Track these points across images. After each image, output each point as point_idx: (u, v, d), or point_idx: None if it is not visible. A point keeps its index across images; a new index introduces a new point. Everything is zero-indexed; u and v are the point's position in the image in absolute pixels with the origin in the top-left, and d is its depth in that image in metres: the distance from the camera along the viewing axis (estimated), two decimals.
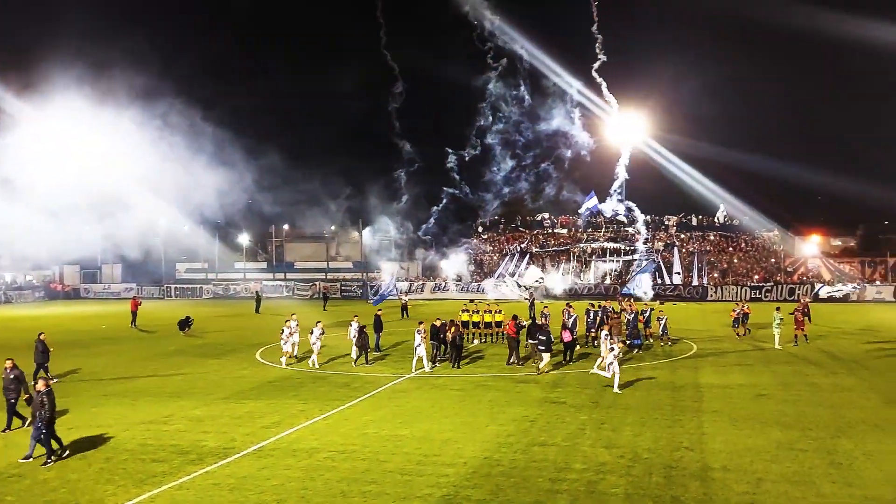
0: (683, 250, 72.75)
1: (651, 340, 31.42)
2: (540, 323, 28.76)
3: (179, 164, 44.68)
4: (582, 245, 75.79)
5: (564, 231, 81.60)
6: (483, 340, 32.63)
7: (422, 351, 25.44)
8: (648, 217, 79.78)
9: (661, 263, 70.22)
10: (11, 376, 18.11)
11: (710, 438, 16.09)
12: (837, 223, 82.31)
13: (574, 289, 65.13)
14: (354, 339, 27.50)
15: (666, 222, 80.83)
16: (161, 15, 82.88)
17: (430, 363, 25.72)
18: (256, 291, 60.01)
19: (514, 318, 27.51)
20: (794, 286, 60.57)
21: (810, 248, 72.32)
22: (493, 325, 32.80)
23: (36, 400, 15.16)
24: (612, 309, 32.72)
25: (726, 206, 76.55)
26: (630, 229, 76.29)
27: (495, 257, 76.92)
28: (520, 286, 63.72)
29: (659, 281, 67.38)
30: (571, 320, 29.85)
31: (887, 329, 35.91)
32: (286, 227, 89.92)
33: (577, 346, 28.58)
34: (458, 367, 26.13)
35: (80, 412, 19.88)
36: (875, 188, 71.91)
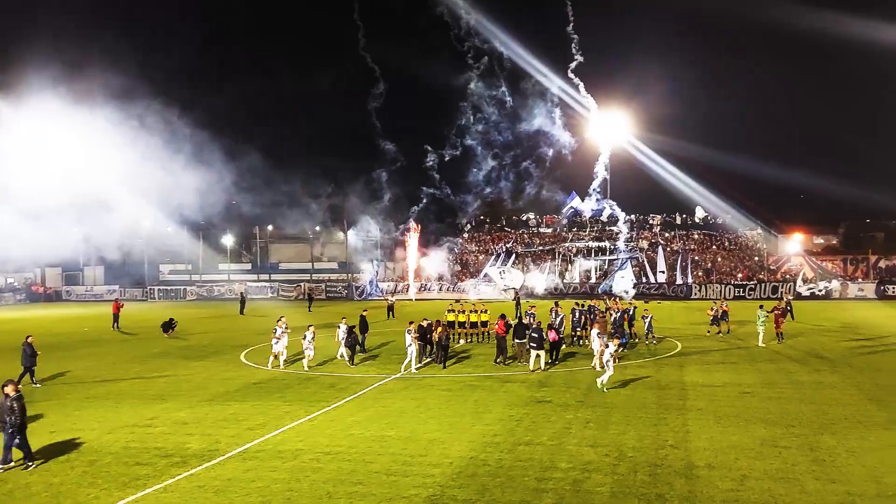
0: (668, 249, 73.14)
1: (636, 339, 31.56)
2: (526, 322, 28.82)
3: (162, 165, 44.42)
4: (567, 244, 76.03)
5: (549, 230, 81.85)
6: (469, 340, 32.64)
7: (413, 351, 25.39)
8: (633, 216, 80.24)
9: (646, 262, 70.67)
10: None
11: (695, 436, 16.16)
12: (820, 221, 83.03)
13: (557, 288, 65.39)
14: (343, 341, 27.47)
15: (650, 221, 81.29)
16: (142, 15, 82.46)
17: (416, 364, 25.67)
18: (241, 293, 59.68)
19: (503, 317, 27.53)
20: (777, 284, 61.05)
21: (793, 246, 72.93)
22: (479, 324, 32.83)
23: (4, 405, 14.70)
24: (598, 308, 32.84)
25: (710, 205, 77.08)
26: (614, 228, 76.65)
27: (481, 257, 77.01)
28: (502, 281, 64.09)
29: (643, 279, 67.81)
30: (558, 320, 29.93)
31: (869, 326, 36.24)
32: (270, 227, 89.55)
33: (563, 346, 28.63)
34: (445, 367, 26.12)
35: (63, 415, 19.69)
36: (857, 186, 72.73)
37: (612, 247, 73.84)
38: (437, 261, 73.12)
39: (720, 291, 61.95)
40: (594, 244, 75.22)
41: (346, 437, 16.76)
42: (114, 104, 42.03)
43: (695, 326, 36.65)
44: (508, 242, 79.01)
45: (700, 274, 68.51)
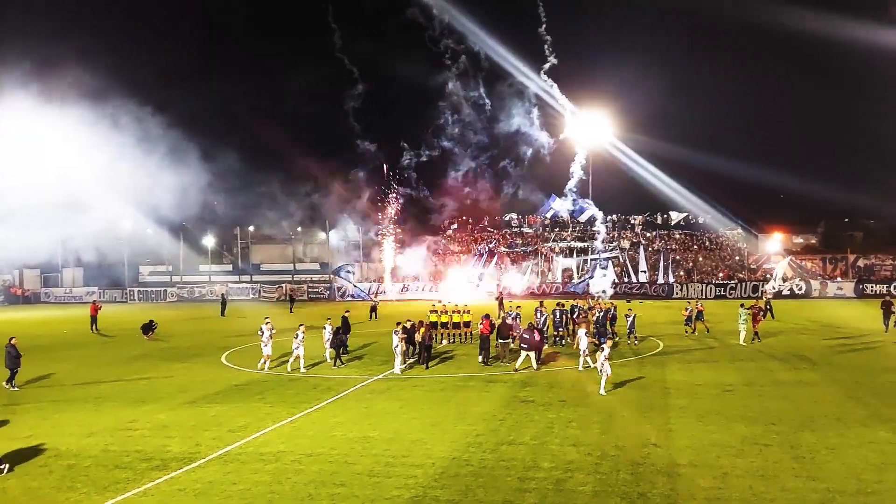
0: (649, 249, 73.54)
1: (617, 339, 31.65)
2: (509, 323, 28.86)
3: (141, 166, 44.07)
4: (549, 244, 76.26)
5: (531, 230, 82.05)
6: (452, 341, 32.60)
7: (399, 352, 25.29)
8: (614, 216, 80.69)
9: (628, 262, 71.05)
10: None
11: (677, 435, 16.23)
12: (799, 221, 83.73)
13: (541, 288, 65.55)
14: (329, 342, 27.37)
15: (632, 221, 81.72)
16: (120, 15, 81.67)
17: (401, 365, 25.53)
18: (222, 294, 59.41)
19: (487, 317, 27.53)
20: (757, 283, 61.55)
21: (773, 246, 73.54)
22: (462, 325, 32.81)
23: None
24: (582, 308, 32.96)
25: (690, 205, 77.58)
26: (595, 228, 77.08)
27: (463, 257, 77.02)
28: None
29: (625, 279, 68.17)
30: (542, 320, 29.96)
31: (848, 325, 36.58)
32: (251, 228, 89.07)
33: (546, 346, 28.66)
34: (428, 368, 26.09)
35: (42, 419, 19.47)
36: (836, 186, 73.42)
37: (594, 247, 74.25)
38: (414, 260, 73.08)
39: (701, 291, 62.40)
40: (577, 244, 75.51)
41: (328, 438, 16.68)
42: (91, 104, 41.67)
43: (676, 326, 36.82)
44: (490, 242, 79.07)
45: (681, 273, 68.94)
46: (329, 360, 27.37)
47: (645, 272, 69.12)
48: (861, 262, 68.50)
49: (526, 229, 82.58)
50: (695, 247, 75.29)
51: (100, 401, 21.79)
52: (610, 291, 57.15)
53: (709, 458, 14.39)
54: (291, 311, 53.13)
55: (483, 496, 12.65)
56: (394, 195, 74.81)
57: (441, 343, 31.73)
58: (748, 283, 62.28)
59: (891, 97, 79.44)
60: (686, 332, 33.93)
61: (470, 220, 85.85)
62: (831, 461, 14.09)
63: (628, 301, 42.66)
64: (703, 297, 61.22)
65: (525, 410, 19.08)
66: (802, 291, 60.75)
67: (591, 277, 65.31)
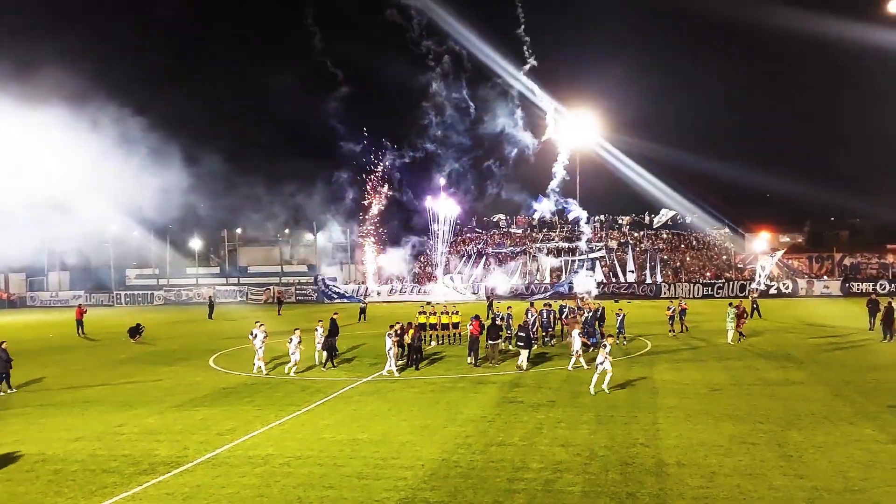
0: (637, 249, 73.82)
1: (604, 339, 31.69)
2: (499, 324, 28.89)
3: (128, 169, 43.80)
4: (537, 245, 76.43)
5: (520, 231, 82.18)
6: (440, 342, 32.60)
7: (392, 354, 25.23)
8: (602, 216, 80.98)
9: (616, 262, 71.30)
10: None
11: (665, 434, 16.28)
12: (785, 220, 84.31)
13: (525, 288, 65.66)
14: (320, 344, 27.29)
15: (619, 221, 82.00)
16: (106, 17, 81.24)
17: (393, 366, 25.43)
18: (209, 297, 59.18)
19: (477, 318, 27.55)
20: (745, 282, 61.89)
21: (760, 245, 74.01)
22: (451, 326, 32.81)
23: None
24: (571, 308, 33.03)
25: (677, 205, 77.97)
26: (582, 229, 77.33)
27: (451, 258, 77.07)
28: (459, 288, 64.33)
29: (613, 279, 68.42)
30: (532, 320, 29.98)
31: (834, 324, 36.80)
32: (238, 231, 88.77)
33: (535, 346, 28.71)
34: (418, 369, 26.08)
35: (28, 423, 19.32)
36: (822, 186, 74.09)
37: (579, 247, 74.54)
38: (397, 260, 73.02)
39: (689, 290, 62.71)
40: (564, 244, 75.70)
41: (317, 441, 16.63)
42: (76, 107, 41.37)
43: (664, 325, 36.95)
44: (479, 244, 79.15)
45: (669, 273, 69.23)
46: (318, 363, 27.29)
47: (633, 272, 69.42)
48: (847, 261, 69.07)
49: (514, 230, 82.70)
50: (682, 247, 75.61)
51: (87, 405, 21.64)
52: (595, 291, 57.34)
53: (697, 458, 14.44)
54: (279, 314, 52.99)
55: (472, 497, 12.65)
56: (378, 196, 74.76)
57: (430, 344, 31.72)
58: (735, 282, 62.61)
59: (877, 97, 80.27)
60: (671, 332, 33.93)
61: (457, 222, 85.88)
62: (818, 459, 14.17)
63: (616, 301, 42.80)
64: (691, 296, 61.62)
65: (514, 411, 19.09)
66: (789, 290, 61.15)
67: (570, 280, 65.43)
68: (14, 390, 24.07)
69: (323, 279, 49.25)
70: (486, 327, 27.94)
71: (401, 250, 74.72)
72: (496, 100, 73.11)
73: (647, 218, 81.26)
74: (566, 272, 70.55)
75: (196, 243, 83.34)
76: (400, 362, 26.79)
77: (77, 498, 13.24)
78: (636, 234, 78.61)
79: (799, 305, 50.62)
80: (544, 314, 31.52)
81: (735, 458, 14.33)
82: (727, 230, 78.13)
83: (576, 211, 76.63)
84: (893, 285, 58.83)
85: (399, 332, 26.53)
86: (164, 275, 79.94)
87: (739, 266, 69.66)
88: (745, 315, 31.82)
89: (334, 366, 27.12)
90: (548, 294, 36.68)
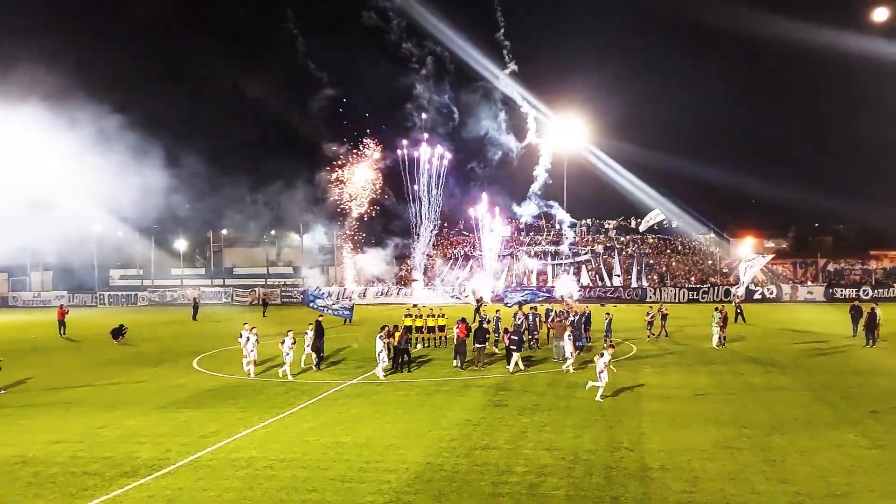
0: (623, 253, 74.08)
1: (591, 343, 31.78)
2: (486, 327, 28.89)
3: (113, 169, 43.46)
4: (524, 248, 76.57)
5: (507, 234, 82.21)
6: (426, 345, 32.53)
7: (384, 357, 25.13)
8: (588, 220, 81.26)
9: (602, 266, 71.55)
10: None
11: (649, 438, 16.30)
12: (770, 226, 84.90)
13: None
14: (310, 345, 27.16)
15: (606, 226, 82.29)
16: (89, 15, 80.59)
17: (379, 370, 25.28)
18: (194, 298, 58.76)
19: (463, 320, 27.54)
20: (729, 287, 62.19)
21: (745, 250, 74.45)
22: (437, 329, 32.77)
23: None
24: (558, 311, 33.05)
25: (663, 209, 78.32)
26: (571, 232, 77.63)
27: (439, 261, 77.06)
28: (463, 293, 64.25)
29: (599, 283, 68.64)
30: (520, 324, 29.94)
31: (818, 329, 37.00)
32: (224, 232, 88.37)
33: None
34: (411, 371, 26.05)
35: (8, 424, 19.13)
36: (806, 192, 74.70)
37: (573, 250, 74.80)
38: (377, 261, 72.88)
39: (674, 295, 62.96)
40: (551, 248, 75.90)
41: (300, 443, 16.54)
42: (60, 106, 41.02)
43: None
44: (466, 247, 79.14)
45: (655, 277, 69.49)
46: (309, 366, 27.14)
47: (619, 276, 69.64)
48: (831, 267, 69.56)
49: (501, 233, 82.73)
50: (668, 251, 75.95)
51: (68, 406, 21.43)
52: (576, 295, 57.51)
53: (681, 462, 14.46)
54: (264, 316, 52.74)
55: (457, 501, 12.61)
56: (360, 198, 74.70)
57: (416, 347, 31.65)
58: (720, 287, 62.91)
59: (861, 104, 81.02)
60: (651, 336, 33.96)
61: (445, 224, 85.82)
62: (801, 464, 14.23)
63: (602, 305, 42.87)
64: (676, 301, 61.84)
65: (499, 415, 19.06)
66: (774, 295, 61.48)
67: (559, 280, 65.53)
68: (4, 391, 23.80)
69: (312, 295, 48.29)
70: (472, 330, 27.91)
71: (382, 252, 74.55)
72: (479, 103, 73.38)
73: (633, 222, 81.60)
74: (552, 276, 70.67)
75: (181, 244, 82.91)
76: (385, 365, 26.71)
77: (57, 500, 13.11)
78: (623, 239, 78.89)
79: (783, 310, 50.92)
80: (530, 317, 31.53)
81: (719, 463, 14.37)
82: (712, 235, 78.57)
83: (560, 214, 76.98)
84: (876, 291, 59.30)
85: (387, 335, 26.49)
86: (148, 275, 79.48)
87: (725, 271, 70.01)
88: (725, 322, 31.93)
89: (316, 368, 26.99)
90: (513, 301, 36.37)
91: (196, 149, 61.43)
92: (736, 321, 40.04)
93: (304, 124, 74.19)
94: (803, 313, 47.15)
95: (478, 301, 47.61)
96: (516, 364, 25.55)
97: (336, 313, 39.60)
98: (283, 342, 25.51)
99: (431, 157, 72.94)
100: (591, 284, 67.96)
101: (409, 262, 76.05)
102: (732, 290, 58.79)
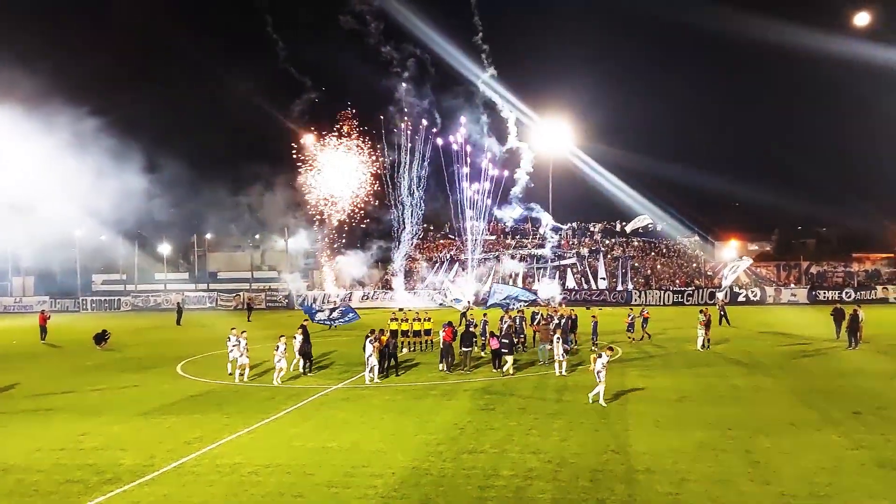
0: (608, 256, 74.36)
1: (576, 346, 31.85)
2: (472, 330, 28.90)
3: (95, 173, 43.22)
4: (510, 251, 76.72)
5: (493, 238, 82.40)
6: (412, 349, 32.48)
7: (374, 361, 25.00)
8: (573, 224, 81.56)
9: (588, 269, 71.77)
10: None
11: (635, 441, 16.35)
12: (754, 229, 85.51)
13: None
14: (298, 349, 27.04)
15: (591, 229, 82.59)
16: (72, 20, 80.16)
17: (368, 374, 25.18)
18: (178, 303, 58.43)
19: (450, 324, 27.52)
20: (714, 290, 62.53)
21: (729, 253, 74.94)
22: (423, 333, 32.74)
23: None
24: (542, 314, 33.13)
25: (647, 212, 78.72)
26: (545, 234, 77.92)
27: (424, 265, 77.02)
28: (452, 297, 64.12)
29: (584, 286, 68.86)
30: (505, 327, 29.98)
31: (801, 331, 37.24)
32: (208, 236, 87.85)
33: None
34: (397, 375, 25.98)
35: None
36: (789, 195, 75.39)
37: (558, 253, 75.01)
38: (357, 263, 72.70)
39: (659, 297, 63.26)
40: (537, 251, 76.10)
41: (286, 449, 16.46)
42: (42, 111, 40.75)
43: (636, 332, 37.20)
44: (452, 250, 79.18)
45: (640, 280, 69.77)
46: (300, 371, 27.01)
47: (604, 279, 69.87)
48: (814, 269, 70.12)
49: (488, 237, 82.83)
50: (652, 254, 76.31)
51: (50, 413, 21.22)
52: (558, 298, 57.68)
53: (666, 464, 14.52)
54: (249, 320, 52.46)
55: None
56: (341, 202, 74.63)
57: (402, 351, 31.57)
58: (705, 289, 63.25)
59: (843, 109, 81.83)
60: (632, 339, 34.06)
61: (431, 228, 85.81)
62: (785, 465, 14.32)
63: (588, 308, 43.00)
64: (661, 303, 62.17)
65: (485, 418, 19.06)
66: (757, 298, 61.86)
67: (541, 283, 65.70)
68: None
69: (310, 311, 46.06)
70: (459, 334, 27.90)
71: (362, 254, 74.38)
72: (461, 108, 73.47)
73: (618, 226, 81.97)
74: (537, 279, 70.83)
75: (165, 248, 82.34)
76: (376, 369, 26.62)
77: None
78: (608, 242, 79.20)
79: (767, 313, 51.23)
80: (516, 321, 31.57)
81: (704, 465, 14.43)
82: (697, 238, 79.02)
83: (544, 217, 77.21)
84: (859, 293, 59.82)
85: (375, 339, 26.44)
86: (131, 280, 78.85)
87: (709, 273, 70.43)
88: (708, 324, 32.13)
89: (303, 372, 26.89)
90: (492, 301, 36.36)
91: (179, 153, 61.30)
92: (720, 323, 40.26)
93: (283, 127, 73.89)
94: (787, 315, 47.46)
95: (466, 306, 47.60)
96: (508, 366, 25.74)
97: (345, 321, 38.69)
98: (277, 348, 25.37)
99: (412, 159, 72.96)
100: (576, 287, 68.18)
101: (389, 266, 75.83)
102: (718, 294, 59.18)
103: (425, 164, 73.87)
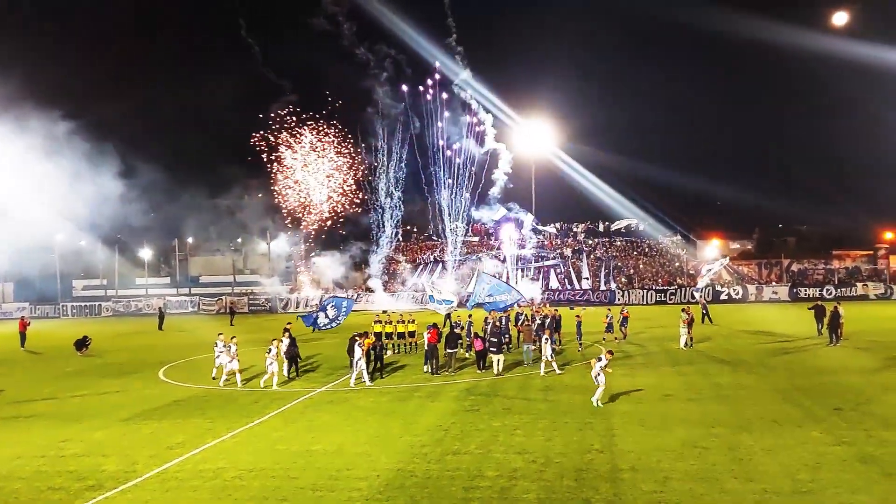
0: (591, 256, 74.62)
1: (561, 345, 31.92)
2: (457, 332, 28.90)
3: (75, 177, 42.80)
4: (494, 252, 76.81)
5: (476, 239, 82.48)
6: (396, 351, 32.42)
7: (363, 364, 24.86)
8: (557, 224, 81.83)
9: (571, 269, 71.99)
10: None
11: (620, 440, 16.39)
12: (735, 228, 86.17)
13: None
14: (284, 351, 26.90)
15: (574, 229, 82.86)
16: (46, 23, 79.37)
17: (353, 378, 25.04)
18: (159, 308, 58.00)
19: (434, 326, 27.50)
20: (693, 290, 62.96)
21: (711, 252, 75.44)
22: (407, 335, 32.68)
23: None
24: (526, 315, 33.17)
25: (629, 213, 79.23)
26: (539, 235, 78.07)
27: (405, 267, 76.95)
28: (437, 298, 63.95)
29: (568, 286, 69.07)
30: (489, 328, 29.97)
31: (783, 329, 37.53)
32: (190, 240, 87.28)
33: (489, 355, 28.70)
34: (382, 377, 25.90)
35: None
36: (770, 194, 76.12)
37: (541, 254, 75.17)
38: (335, 265, 72.55)
39: (642, 297, 63.60)
40: (519, 252, 76.21)
41: (270, 453, 16.35)
42: (22, 116, 40.32)
43: (618, 332, 37.35)
44: (436, 252, 79.16)
45: (623, 280, 70.08)
46: (286, 371, 26.87)
47: (587, 279, 70.12)
48: (794, 267, 70.75)
49: (470, 238, 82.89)
50: (635, 253, 76.67)
51: (31, 420, 20.99)
52: (538, 299, 57.85)
53: (650, 463, 14.56)
54: (232, 324, 52.17)
55: None
56: (319, 204, 74.53)
57: (386, 353, 31.48)
58: (688, 288, 63.65)
59: (823, 108, 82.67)
60: (604, 338, 34.19)
61: (414, 230, 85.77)
62: (768, 462, 14.41)
63: (572, 308, 43.14)
64: (644, 303, 62.54)
65: (470, 419, 19.05)
66: (739, 296, 62.31)
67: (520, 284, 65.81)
68: None
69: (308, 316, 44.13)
70: (444, 335, 27.88)
71: (339, 256, 74.21)
72: (439, 109, 73.66)
73: (601, 226, 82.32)
74: (519, 279, 70.93)
75: (146, 253, 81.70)
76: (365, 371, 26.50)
77: None
78: (591, 242, 79.50)
79: (748, 310, 51.61)
80: (502, 321, 31.54)
81: (687, 463, 14.49)
82: (679, 237, 79.50)
83: (526, 218, 77.41)
84: (839, 290, 60.43)
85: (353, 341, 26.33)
86: (112, 285, 78.23)
87: (691, 272, 70.85)
88: (691, 324, 32.31)
89: (288, 376, 26.75)
90: (530, 301, 36.27)
91: (161, 157, 60.91)
92: (703, 322, 40.50)
93: (259, 130, 73.69)
94: (768, 313, 47.85)
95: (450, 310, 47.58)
96: (497, 365, 25.88)
97: (346, 313, 37.64)
98: (269, 351, 25.21)
99: (390, 161, 73.01)
100: (560, 288, 68.38)
101: (365, 269, 75.60)
102: (697, 294, 59.64)
103: (402, 164, 74.02)
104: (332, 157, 74.02)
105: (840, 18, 48.37)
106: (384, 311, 35.68)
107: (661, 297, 63.30)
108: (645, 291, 64.69)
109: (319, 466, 15.09)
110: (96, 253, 74.64)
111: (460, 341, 28.66)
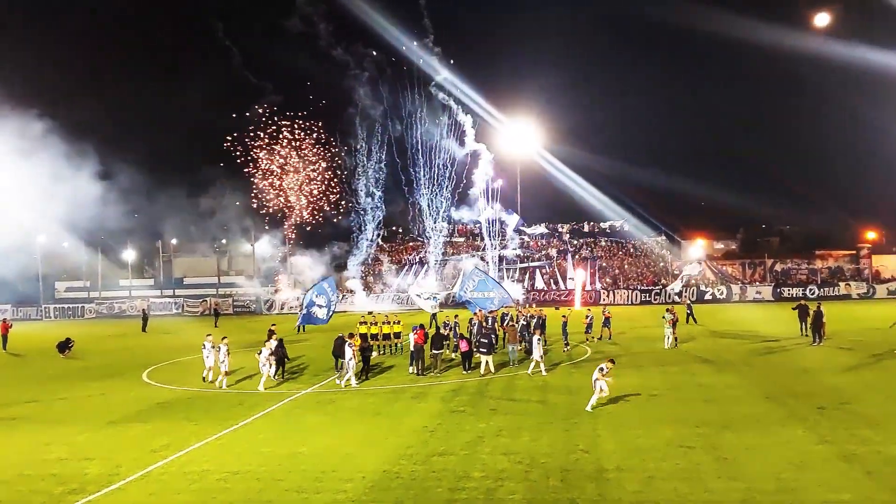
0: (577, 256, 74.84)
1: (547, 346, 31.95)
2: (444, 332, 28.89)
3: (58, 178, 42.46)
4: (480, 252, 76.85)
5: (462, 239, 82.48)
6: (382, 353, 32.36)
7: (353, 365, 24.74)
8: (542, 225, 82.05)
9: (556, 269, 72.20)
10: None
11: (605, 440, 16.44)
12: (719, 228, 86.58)
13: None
14: (273, 354, 26.76)
15: (559, 230, 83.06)
16: (23, 23, 78.54)
17: (345, 377, 24.94)
18: (143, 309, 57.58)
19: (421, 327, 27.49)
20: (672, 292, 63.23)
21: (695, 252, 75.79)
22: (392, 336, 32.63)
23: None
24: (511, 315, 33.22)
25: (613, 214, 79.56)
26: (524, 236, 78.23)
27: (393, 267, 76.84)
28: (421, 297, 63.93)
29: (554, 286, 69.27)
30: (475, 329, 30.00)
31: (766, 328, 37.75)
32: (174, 241, 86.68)
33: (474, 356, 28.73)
34: (367, 378, 25.85)
35: None
36: (753, 194, 76.63)
37: (527, 254, 75.32)
38: (315, 265, 72.34)
39: (627, 297, 63.89)
40: (502, 252, 76.33)
41: (255, 455, 16.28)
42: (5, 118, 39.95)
43: (604, 332, 37.47)
44: (421, 252, 79.08)
45: (608, 280, 70.35)
46: (272, 372, 26.73)
47: (573, 279, 70.31)
48: (778, 267, 71.18)
49: (457, 239, 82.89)
50: (620, 254, 76.95)
51: (13, 423, 20.78)
52: (521, 299, 57.99)
53: (635, 462, 14.62)
54: (216, 326, 51.91)
55: None
56: (299, 205, 74.38)
57: (372, 355, 31.42)
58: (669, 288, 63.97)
59: (807, 108, 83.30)
60: (587, 339, 34.30)
61: (399, 231, 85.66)
62: (752, 461, 14.49)
63: (557, 308, 43.24)
64: (629, 302, 62.83)
65: (456, 420, 19.04)
66: (723, 295, 62.71)
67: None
68: None
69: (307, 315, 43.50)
70: (430, 336, 27.87)
71: (319, 255, 74.02)
72: (419, 110, 73.75)
73: (586, 226, 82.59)
74: (503, 280, 71.05)
75: (129, 254, 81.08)
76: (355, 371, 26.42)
77: None
78: (575, 242, 79.73)
79: (732, 310, 51.91)
80: (489, 321, 31.62)
81: (672, 462, 14.56)
82: (664, 238, 79.83)
83: (510, 219, 77.63)
84: (822, 290, 60.91)
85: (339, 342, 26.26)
86: (95, 287, 77.60)
87: (676, 272, 71.18)
88: (678, 321, 32.47)
89: (274, 377, 26.64)
90: (516, 301, 36.24)
91: (144, 158, 60.50)
92: (687, 322, 40.69)
93: (238, 131, 73.40)
94: (752, 313, 48.16)
95: (436, 311, 47.55)
96: (487, 366, 25.86)
97: (332, 292, 36.96)
98: (260, 352, 25.03)
99: (370, 161, 73.03)
100: (545, 288, 68.56)
101: (344, 272, 75.32)
102: (671, 294, 60.07)
103: (382, 165, 73.99)
104: (310, 158, 73.92)
105: (822, 19, 48.82)
106: (370, 313, 35.60)
107: (645, 297, 63.60)
108: (630, 291, 64.97)
109: (305, 468, 15.04)
110: (79, 254, 73.98)
111: (446, 342, 28.65)
